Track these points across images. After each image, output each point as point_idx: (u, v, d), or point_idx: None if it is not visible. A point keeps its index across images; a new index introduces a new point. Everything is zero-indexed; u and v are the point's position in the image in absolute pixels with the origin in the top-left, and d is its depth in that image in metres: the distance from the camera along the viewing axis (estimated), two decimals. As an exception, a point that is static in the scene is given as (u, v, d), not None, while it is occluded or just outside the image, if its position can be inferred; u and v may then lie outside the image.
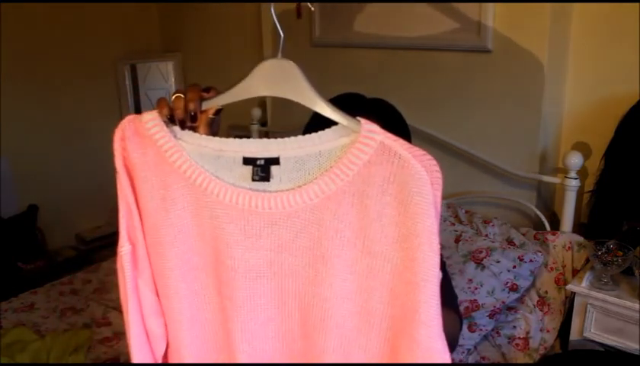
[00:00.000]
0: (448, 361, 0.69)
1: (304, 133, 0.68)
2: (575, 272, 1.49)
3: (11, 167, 2.46)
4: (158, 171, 0.70)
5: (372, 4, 1.85)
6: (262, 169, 0.68)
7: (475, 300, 1.49)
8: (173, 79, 2.86)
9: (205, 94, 0.73)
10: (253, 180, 0.68)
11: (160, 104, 0.71)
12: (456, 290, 1.48)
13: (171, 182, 0.70)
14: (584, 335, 1.35)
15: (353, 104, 1.13)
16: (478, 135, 1.75)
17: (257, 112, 2.28)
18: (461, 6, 1.67)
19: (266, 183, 0.68)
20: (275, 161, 0.68)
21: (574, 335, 1.38)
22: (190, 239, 0.72)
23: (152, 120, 0.70)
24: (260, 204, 0.68)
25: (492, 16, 1.62)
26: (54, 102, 2.56)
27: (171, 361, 0.80)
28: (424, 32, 1.77)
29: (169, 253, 0.73)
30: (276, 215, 0.68)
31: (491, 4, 1.61)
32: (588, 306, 1.33)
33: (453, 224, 1.68)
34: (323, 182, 0.66)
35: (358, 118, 0.67)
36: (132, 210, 0.72)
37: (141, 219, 0.73)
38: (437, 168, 0.66)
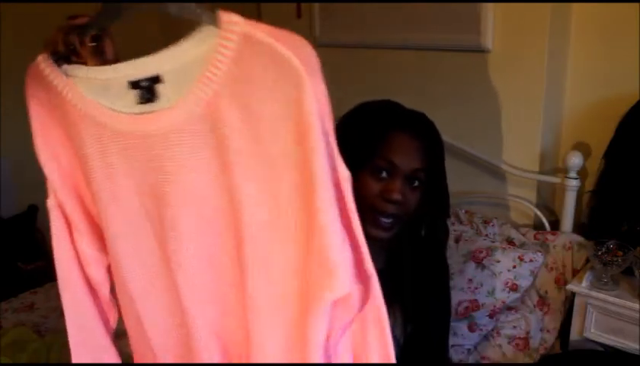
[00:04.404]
0: (345, 273, 0.63)
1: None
2: (575, 272, 1.49)
3: (11, 168, 2.46)
4: (61, 112, 0.68)
5: (373, 4, 1.85)
6: (147, 90, 0.64)
7: (475, 300, 1.48)
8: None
9: (75, 22, 0.69)
10: (139, 103, 0.64)
11: (45, 44, 0.68)
12: (456, 291, 1.49)
13: (72, 122, 0.67)
14: (584, 335, 1.35)
15: (393, 111, 1.11)
16: (478, 135, 1.75)
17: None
18: (461, 6, 1.67)
19: (155, 104, 0.64)
20: (157, 79, 0.64)
21: (574, 335, 1.38)
22: (116, 179, 0.69)
23: (43, 61, 0.67)
24: (152, 127, 0.64)
25: (492, 16, 1.62)
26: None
27: (120, 298, 0.79)
28: (424, 32, 1.77)
29: (102, 198, 0.70)
30: (171, 135, 0.64)
31: (491, 4, 1.61)
32: (588, 306, 1.33)
33: (453, 224, 1.68)
34: (198, 88, 0.62)
35: (218, 11, 0.60)
36: (43, 160, 0.70)
37: (72, 165, 0.71)
38: (309, 49, 0.59)
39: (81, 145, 0.68)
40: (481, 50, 1.66)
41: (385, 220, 1.03)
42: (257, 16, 2.29)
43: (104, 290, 0.79)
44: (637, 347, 1.27)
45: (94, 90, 0.66)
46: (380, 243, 1.05)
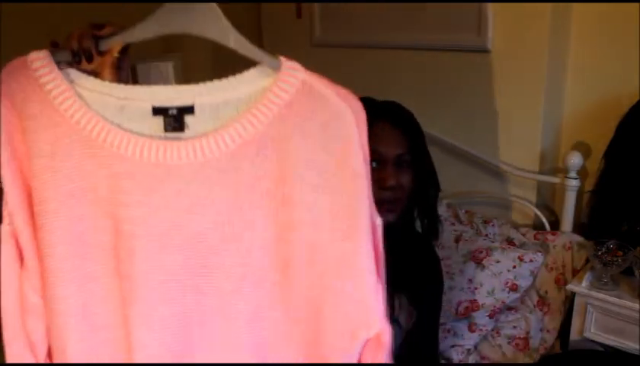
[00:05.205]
0: (378, 312, 0.64)
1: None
2: (575, 272, 1.48)
3: (11, 167, 2.45)
4: (45, 121, 0.58)
5: (373, 4, 1.85)
6: (175, 119, 0.60)
7: (475, 300, 1.48)
8: (173, 79, 2.86)
9: (98, 33, 0.64)
10: (166, 131, 0.60)
11: (52, 43, 0.63)
12: (456, 291, 1.49)
13: (60, 135, 0.58)
14: (584, 335, 1.35)
15: (368, 105, 1.15)
16: (478, 135, 1.75)
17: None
18: (461, 6, 1.67)
19: (180, 134, 0.60)
20: (189, 110, 0.60)
21: (574, 335, 1.38)
22: (81, 206, 0.60)
23: (39, 59, 0.60)
24: (169, 155, 0.59)
25: (492, 16, 1.62)
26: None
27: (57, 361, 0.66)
28: (424, 32, 1.77)
29: (54, 224, 0.59)
30: (187, 167, 0.59)
31: (490, 4, 1.61)
32: (588, 306, 1.33)
33: (453, 224, 1.68)
34: (240, 126, 0.59)
35: (279, 56, 0.62)
36: (6, 179, 0.60)
37: (29, 188, 0.60)
38: (362, 108, 0.63)
39: (56, 164, 0.59)
40: (481, 50, 1.66)
41: (387, 205, 1.12)
42: (257, 16, 2.29)
43: (41, 352, 0.66)
44: (637, 347, 1.26)
45: (105, 106, 0.60)
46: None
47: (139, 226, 0.60)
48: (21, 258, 0.64)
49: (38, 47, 0.63)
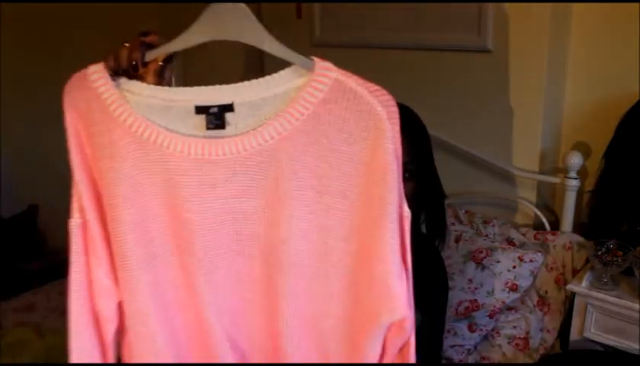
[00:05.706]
0: (402, 298, 0.69)
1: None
2: (575, 272, 1.49)
3: (11, 167, 2.46)
4: (104, 127, 0.66)
5: (373, 4, 1.85)
6: (216, 117, 0.66)
7: (475, 300, 1.48)
8: (173, 79, 2.85)
9: (145, 39, 0.69)
10: (208, 128, 0.66)
11: (107, 56, 0.68)
12: (456, 291, 1.49)
13: (117, 138, 0.66)
14: (584, 335, 1.35)
15: None
16: (478, 135, 1.75)
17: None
18: (461, 6, 1.67)
19: (221, 131, 0.66)
20: (229, 107, 0.66)
21: (574, 335, 1.38)
22: (142, 198, 0.69)
23: (96, 72, 0.67)
24: (214, 151, 0.66)
25: (492, 16, 1.62)
26: (54, 102, 2.55)
27: (134, 334, 0.75)
28: (424, 32, 1.77)
29: (122, 216, 0.68)
30: (231, 161, 0.66)
31: (491, 4, 1.61)
32: (588, 306, 1.33)
33: (453, 224, 1.68)
34: (278, 123, 0.65)
35: (312, 57, 0.67)
36: (78, 177, 0.68)
37: (98, 185, 0.69)
38: (393, 102, 0.67)
39: (116, 164, 0.67)
40: (481, 50, 1.66)
41: None
42: (257, 16, 2.28)
43: (110, 328, 0.75)
44: (637, 347, 1.26)
45: (151, 108, 0.66)
46: None
47: (195, 214, 0.68)
48: (86, 248, 0.72)
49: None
